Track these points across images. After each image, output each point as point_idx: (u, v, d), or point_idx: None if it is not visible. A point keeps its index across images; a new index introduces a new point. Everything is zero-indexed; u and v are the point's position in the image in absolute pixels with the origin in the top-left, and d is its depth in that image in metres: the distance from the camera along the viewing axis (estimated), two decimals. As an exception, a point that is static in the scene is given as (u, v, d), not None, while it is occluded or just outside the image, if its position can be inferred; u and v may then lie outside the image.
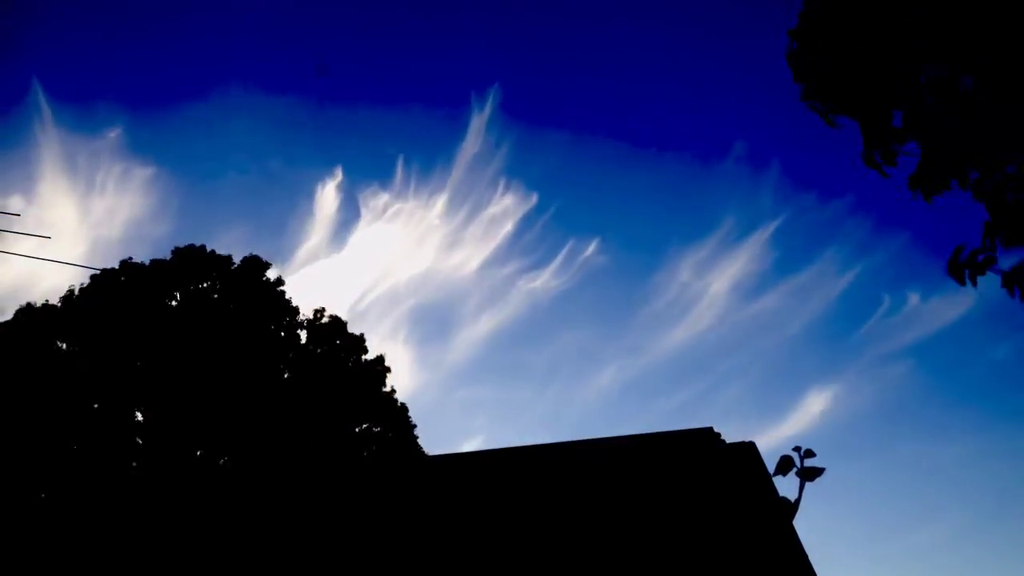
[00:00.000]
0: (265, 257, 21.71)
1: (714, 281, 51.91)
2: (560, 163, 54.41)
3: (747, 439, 10.08)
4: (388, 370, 21.17)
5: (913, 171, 5.93)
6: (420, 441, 20.66)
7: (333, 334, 21.11)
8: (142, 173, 50.01)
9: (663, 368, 58.12)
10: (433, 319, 60.57)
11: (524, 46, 52.12)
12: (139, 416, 19.55)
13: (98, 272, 20.51)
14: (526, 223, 52.15)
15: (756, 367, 55.35)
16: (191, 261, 21.31)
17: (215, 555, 12.57)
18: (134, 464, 18.72)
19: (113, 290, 20.52)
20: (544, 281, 53.52)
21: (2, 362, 19.09)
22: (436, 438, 63.33)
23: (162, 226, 52.83)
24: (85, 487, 17.88)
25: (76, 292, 20.64)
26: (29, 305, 20.25)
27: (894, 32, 5.97)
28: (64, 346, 19.95)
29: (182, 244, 21.57)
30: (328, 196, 49.68)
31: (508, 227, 51.35)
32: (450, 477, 11.78)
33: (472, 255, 54.14)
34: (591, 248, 52.43)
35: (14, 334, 19.58)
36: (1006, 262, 5.46)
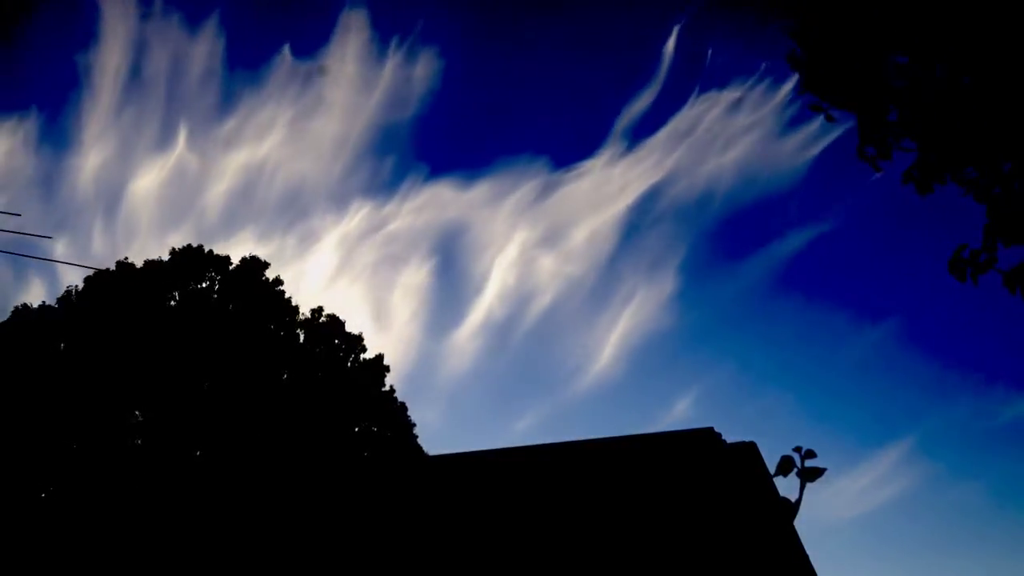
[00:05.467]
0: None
1: None
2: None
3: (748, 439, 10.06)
4: (387, 369, 21.16)
5: (907, 167, 5.95)
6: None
7: (331, 333, 21.08)
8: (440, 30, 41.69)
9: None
10: (727, 236, 44.69)
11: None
12: (138, 416, 19.52)
13: (92, 272, 20.47)
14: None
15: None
16: (189, 261, 21.27)
17: (215, 555, 12.55)
18: (133, 465, 18.69)
19: (111, 290, 20.47)
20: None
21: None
22: (617, 408, 47.67)
23: (460, 102, 43.62)
24: (84, 487, 17.85)
25: (74, 292, 20.60)
26: (25, 306, 20.21)
27: (891, 29, 5.98)
28: (62, 346, 19.91)
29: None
30: (668, 51, 38.37)
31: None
32: (450, 477, 11.76)
33: (816, 143, 39.90)
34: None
35: (11, 334, 19.53)
36: (1006, 262, 5.47)
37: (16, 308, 20.14)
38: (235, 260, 21.74)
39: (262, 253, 49.26)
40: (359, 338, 21.31)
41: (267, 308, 21.11)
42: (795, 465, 5.24)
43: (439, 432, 49.03)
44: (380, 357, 21.26)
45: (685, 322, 47.06)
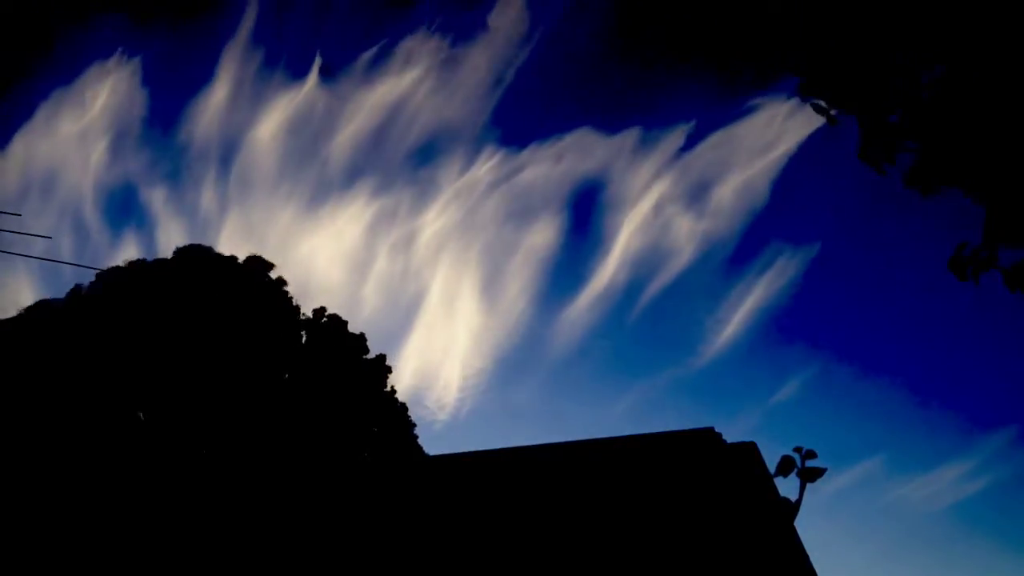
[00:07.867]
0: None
1: None
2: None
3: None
4: (389, 370, 21.21)
5: (909, 168, 5.95)
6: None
7: (334, 334, 21.13)
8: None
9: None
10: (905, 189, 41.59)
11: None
12: (141, 416, 19.58)
13: (100, 271, 20.57)
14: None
15: None
16: (195, 260, 21.37)
17: (217, 555, 12.58)
18: (136, 463, 18.74)
19: (118, 289, 20.57)
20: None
21: (10, 358, 19.16)
22: (727, 392, 44.13)
23: (627, 37, 37.81)
24: (88, 485, 17.89)
25: (82, 289, 20.71)
26: (39, 303, 20.34)
27: (893, 29, 5.98)
28: (69, 344, 20.00)
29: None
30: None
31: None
32: (450, 477, 11.76)
33: None
34: None
35: (22, 331, 19.63)
36: (1007, 260, 5.46)
37: (28, 305, 20.29)
38: (240, 259, 21.89)
39: (377, 207, 45.03)
40: (361, 338, 21.37)
41: (270, 308, 21.20)
42: (795, 465, 5.24)
43: (532, 414, 44.95)
44: (382, 357, 21.32)
45: (824, 294, 40.10)
